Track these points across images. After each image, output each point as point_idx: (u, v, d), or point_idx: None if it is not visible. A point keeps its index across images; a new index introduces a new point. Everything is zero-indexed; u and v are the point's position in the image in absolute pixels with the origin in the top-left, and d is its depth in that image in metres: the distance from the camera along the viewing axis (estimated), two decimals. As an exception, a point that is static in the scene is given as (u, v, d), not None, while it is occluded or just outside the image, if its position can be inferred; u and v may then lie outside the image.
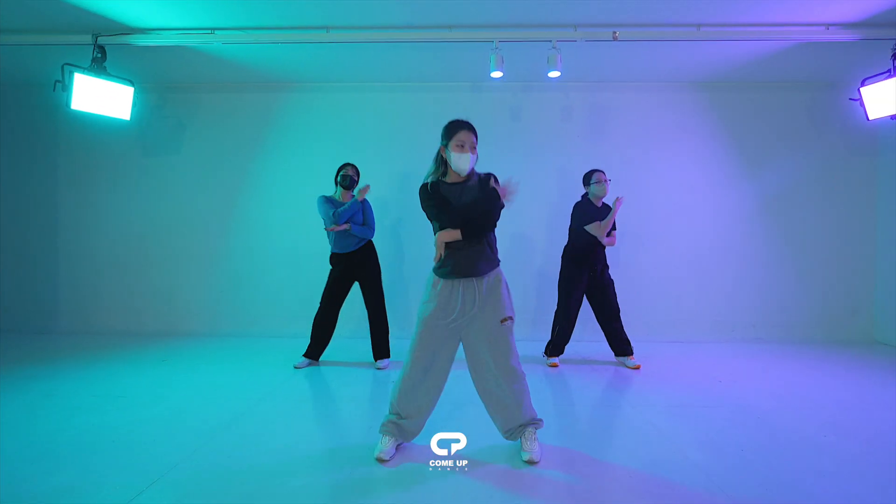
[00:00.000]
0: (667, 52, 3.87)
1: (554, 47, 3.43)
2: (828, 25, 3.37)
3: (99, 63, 3.62)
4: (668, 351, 4.09)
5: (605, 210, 3.59)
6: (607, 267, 3.69)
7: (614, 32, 3.39)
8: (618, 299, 3.68)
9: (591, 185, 3.59)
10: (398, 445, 2.20)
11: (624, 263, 4.45)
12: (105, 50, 3.63)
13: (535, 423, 2.20)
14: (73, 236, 4.81)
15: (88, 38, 3.57)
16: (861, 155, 4.54)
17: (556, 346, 3.72)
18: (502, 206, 2.13)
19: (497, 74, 3.50)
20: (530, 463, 2.09)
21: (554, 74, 3.53)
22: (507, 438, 2.22)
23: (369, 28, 3.50)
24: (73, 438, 2.32)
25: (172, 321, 4.69)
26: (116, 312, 4.75)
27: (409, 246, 4.62)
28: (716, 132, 4.57)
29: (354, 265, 3.58)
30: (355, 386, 3.21)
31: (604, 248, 3.62)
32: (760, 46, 3.72)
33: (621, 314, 3.70)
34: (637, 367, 3.59)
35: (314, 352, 3.64)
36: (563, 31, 3.43)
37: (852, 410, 2.76)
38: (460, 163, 2.08)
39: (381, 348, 3.61)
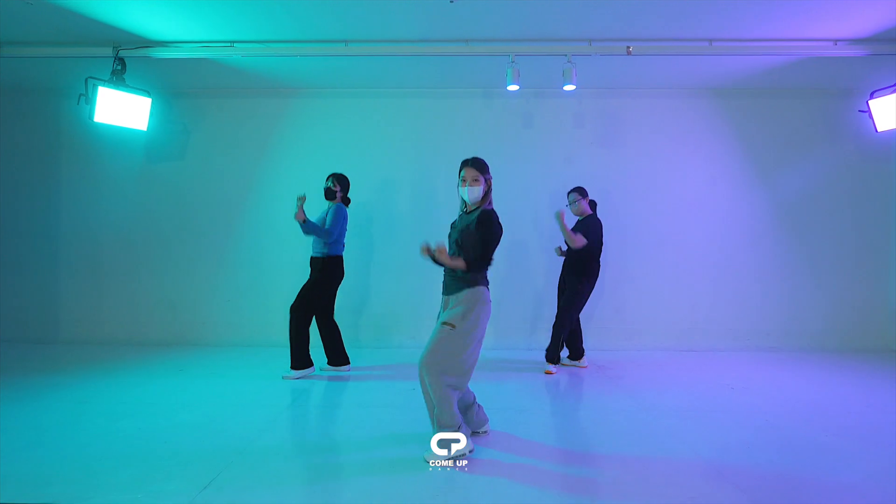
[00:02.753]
0: (679, 62, 3.93)
1: (569, 61, 3.49)
2: (836, 41, 3.45)
3: (119, 75, 3.67)
4: (682, 359, 4.14)
5: (580, 225, 3.80)
6: (573, 275, 3.78)
7: (628, 47, 3.45)
8: (571, 309, 3.78)
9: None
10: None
11: (637, 271, 4.53)
12: (125, 62, 3.68)
13: (442, 430, 2.24)
14: (75, 243, 4.75)
15: (109, 51, 3.61)
16: (875, 162, 4.54)
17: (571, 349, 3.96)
18: (490, 240, 2.32)
19: (513, 88, 3.57)
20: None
21: (569, 88, 3.59)
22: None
23: (387, 42, 3.56)
24: (123, 441, 2.45)
25: (178, 331, 4.65)
26: (120, 322, 4.70)
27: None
28: (729, 139, 4.60)
29: (312, 270, 3.68)
30: (385, 393, 3.31)
31: (571, 256, 3.80)
32: (771, 59, 3.79)
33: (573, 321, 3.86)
34: (549, 373, 3.72)
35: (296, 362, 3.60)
36: (578, 46, 3.49)
37: (868, 418, 2.82)
38: (463, 195, 2.42)
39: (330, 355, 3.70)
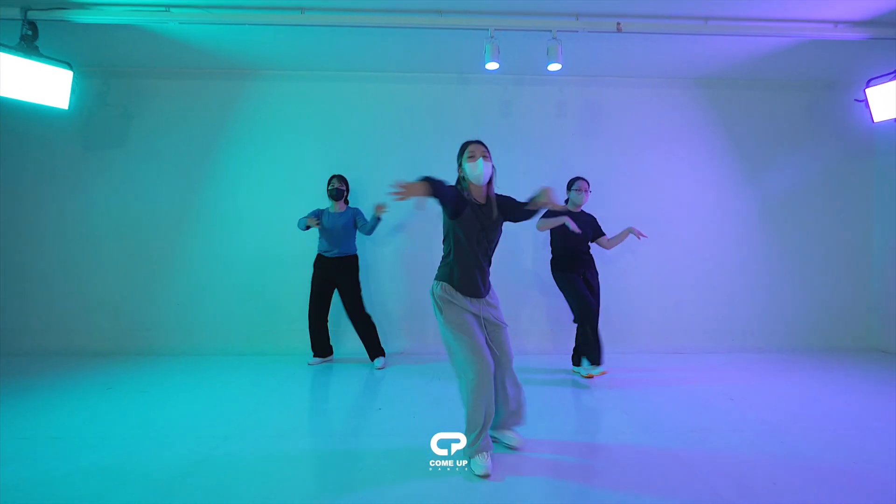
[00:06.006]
0: (669, 45, 3.66)
1: (554, 38, 3.15)
2: (836, 23, 3.24)
3: (29, 41, 3.11)
4: (670, 363, 3.87)
5: (582, 217, 3.49)
6: (596, 272, 3.54)
7: (618, 23, 3.14)
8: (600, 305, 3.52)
9: (571, 192, 3.51)
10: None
11: (618, 268, 4.25)
12: (37, 27, 3.12)
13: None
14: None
15: (16, 12, 3.05)
16: (858, 157, 4.44)
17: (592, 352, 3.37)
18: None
19: (493, 66, 3.20)
20: None
21: (554, 67, 3.26)
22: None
23: (350, 10, 3.13)
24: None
25: (118, 339, 4.12)
26: (50, 330, 4.12)
27: (398, 250, 4.26)
28: (713, 131, 4.39)
29: (334, 270, 3.71)
30: (346, 393, 2.85)
31: (588, 252, 3.50)
32: (765, 43, 3.57)
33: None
34: (590, 377, 3.35)
35: (319, 351, 3.82)
36: (565, 21, 3.16)
37: (853, 419, 2.69)
38: (475, 170, 2.14)
39: (373, 349, 3.77)
